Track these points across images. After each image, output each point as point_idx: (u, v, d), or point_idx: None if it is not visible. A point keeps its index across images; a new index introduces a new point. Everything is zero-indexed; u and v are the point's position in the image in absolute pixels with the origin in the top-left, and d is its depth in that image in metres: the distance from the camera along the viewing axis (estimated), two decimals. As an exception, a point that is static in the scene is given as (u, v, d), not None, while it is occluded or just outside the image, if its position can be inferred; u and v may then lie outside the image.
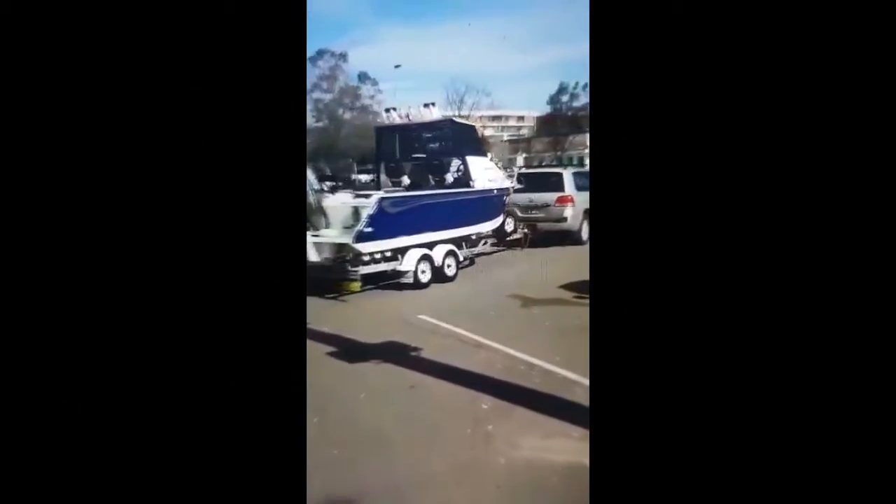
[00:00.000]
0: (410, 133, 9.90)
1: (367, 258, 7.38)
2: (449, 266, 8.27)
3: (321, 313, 6.36)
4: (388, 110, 10.38)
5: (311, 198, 7.44)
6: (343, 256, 7.33)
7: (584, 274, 7.65)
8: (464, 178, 9.07)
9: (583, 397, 3.90)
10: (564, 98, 53.36)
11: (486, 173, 9.60)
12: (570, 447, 3.25)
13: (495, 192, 9.76)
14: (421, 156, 9.76)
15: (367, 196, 7.77)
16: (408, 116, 9.68)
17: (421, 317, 6.22)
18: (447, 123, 9.93)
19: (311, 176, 7.74)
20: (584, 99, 51.65)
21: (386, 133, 10.24)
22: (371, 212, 7.27)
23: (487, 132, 56.35)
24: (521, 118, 69.01)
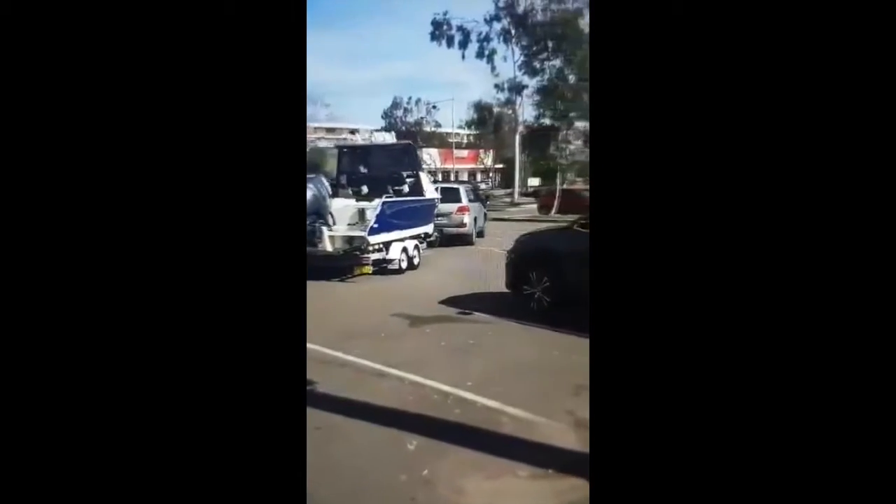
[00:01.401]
0: (370, 151, 12.26)
1: (371, 248, 9.19)
2: (414, 257, 10.38)
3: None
4: (352, 132, 13.19)
5: (326, 201, 9.58)
6: (358, 246, 9.19)
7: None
8: (417, 189, 11.20)
9: (514, 429, 3.63)
10: (398, 113, 54.11)
11: (429, 186, 12.04)
12: (524, 489, 2.94)
13: (436, 200, 12.03)
14: (375, 170, 11.83)
15: (369, 200, 9.97)
16: (370, 139, 12.59)
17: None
18: (404, 146, 12.57)
19: (326, 183, 9.95)
20: (417, 114, 52.93)
21: (347, 151, 12.60)
22: (377, 212, 9.25)
23: (322, 144, 55.56)
24: (354, 131, 68.70)
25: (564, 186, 26.96)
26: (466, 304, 7.22)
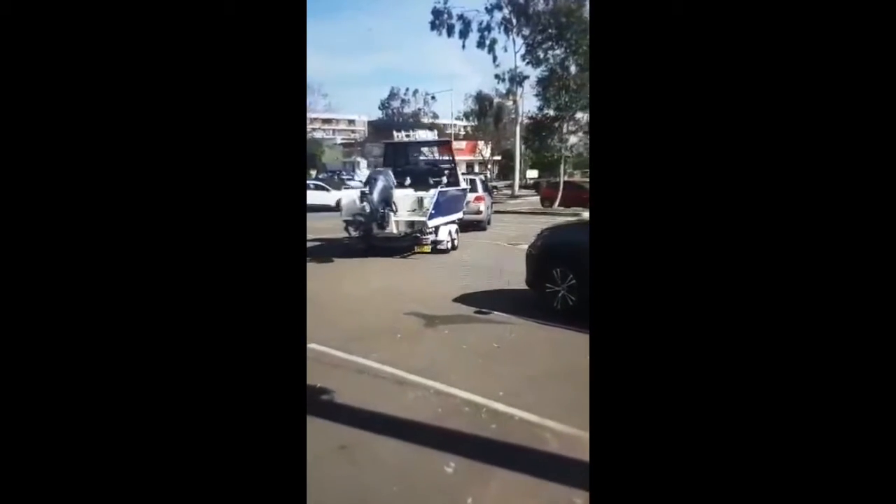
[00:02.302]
0: (415, 147, 13.78)
1: (428, 231, 10.85)
2: (455, 238, 11.90)
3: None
4: (395, 129, 14.47)
5: (392, 191, 10.82)
6: (419, 229, 10.83)
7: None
8: (454, 180, 12.87)
9: (559, 446, 3.27)
10: (395, 103, 53.54)
11: (462, 177, 13.91)
12: (586, 523, 2.57)
13: (467, 190, 13.94)
14: (417, 164, 13.64)
15: (426, 190, 11.27)
16: (415, 136, 13.54)
17: (312, 346, 5.10)
18: (442, 142, 14.73)
19: (392, 175, 11.19)
20: (414, 105, 52.39)
21: (391, 147, 14.01)
22: (434, 200, 10.75)
23: (318, 134, 55.17)
24: (351, 122, 67.92)
25: (567, 178, 26.58)
26: (482, 302, 6.85)
